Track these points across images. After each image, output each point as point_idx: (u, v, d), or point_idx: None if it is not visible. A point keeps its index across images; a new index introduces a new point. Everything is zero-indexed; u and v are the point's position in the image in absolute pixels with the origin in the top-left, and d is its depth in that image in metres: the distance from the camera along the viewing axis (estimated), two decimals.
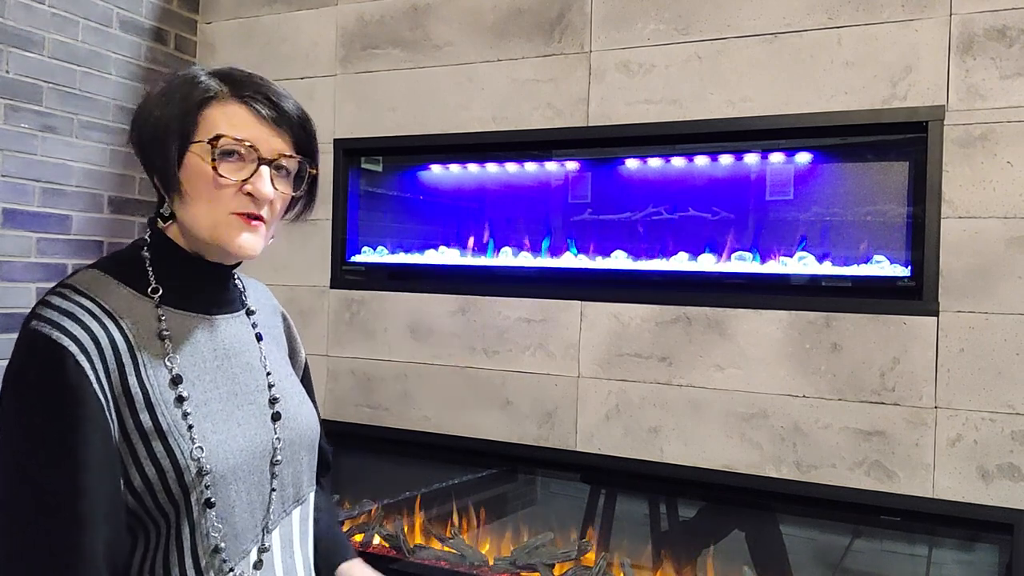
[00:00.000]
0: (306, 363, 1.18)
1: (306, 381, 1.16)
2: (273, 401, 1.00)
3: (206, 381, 0.93)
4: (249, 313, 1.05)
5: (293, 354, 1.15)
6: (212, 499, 0.88)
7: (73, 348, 0.83)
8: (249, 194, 0.91)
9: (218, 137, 0.90)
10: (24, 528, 0.82)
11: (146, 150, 0.93)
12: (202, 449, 0.88)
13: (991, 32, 1.87)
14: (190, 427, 0.88)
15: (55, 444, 0.81)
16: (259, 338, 1.03)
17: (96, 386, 0.83)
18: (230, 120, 0.91)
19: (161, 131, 0.91)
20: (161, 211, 0.96)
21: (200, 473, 0.87)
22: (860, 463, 1.96)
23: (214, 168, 0.90)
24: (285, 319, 1.17)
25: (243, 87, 0.93)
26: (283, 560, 0.98)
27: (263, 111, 0.93)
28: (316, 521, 1.10)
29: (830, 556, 2.12)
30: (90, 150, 2.60)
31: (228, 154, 0.91)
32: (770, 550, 2.16)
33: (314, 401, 1.14)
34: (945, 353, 1.89)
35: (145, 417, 0.86)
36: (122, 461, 0.85)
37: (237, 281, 1.06)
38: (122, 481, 0.85)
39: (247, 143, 0.91)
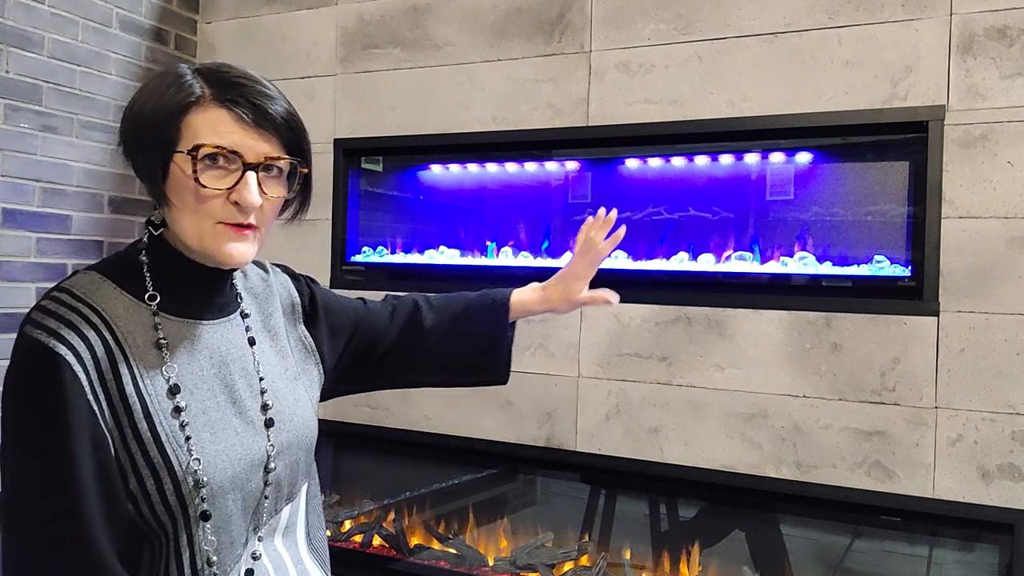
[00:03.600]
0: (332, 296, 1.20)
1: (332, 300, 1.19)
2: (265, 407, 0.98)
3: (204, 390, 0.92)
4: (244, 316, 1.03)
5: (320, 311, 1.15)
6: (208, 511, 0.88)
7: (70, 358, 0.82)
8: (235, 203, 0.88)
9: (198, 147, 0.86)
10: (28, 533, 0.82)
11: (134, 160, 0.91)
12: (199, 461, 0.87)
13: (991, 32, 1.87)
14: (188, 438, 0.87)
15: (49, 452, 0.81)
16: (252, 342, 1.01)
17: (91, 395, 0.83)
18: (213, 127, 0.87)
19: (145, 143, 0.88)
20: (152, 217, 0.94)
21: (197, 485, 0.86)
22: (860, 463, 1.96)
23: (195, 179, 0.86)
24: (298, 286, 1.15)
25: (227, 89, 0.89)
26: (270, 556, 0.98)
27: (245, 115, 0.88)
28: (425, 322, 1.30)
29: (830, 556, 2.12)
30: (90, 150, 2.60)
31: (212, 162, 0.87)
32: (770, 550, 2.16)
33: (351, 302, 1.22)
34: (945, 353, 1.89)
35: (143, 426, 0.86)
36: (122, 468, 0.85)
37: (235, 281, 1.04)
38: (122, 488, 0.85)
39: (229, 150, 0.87)
